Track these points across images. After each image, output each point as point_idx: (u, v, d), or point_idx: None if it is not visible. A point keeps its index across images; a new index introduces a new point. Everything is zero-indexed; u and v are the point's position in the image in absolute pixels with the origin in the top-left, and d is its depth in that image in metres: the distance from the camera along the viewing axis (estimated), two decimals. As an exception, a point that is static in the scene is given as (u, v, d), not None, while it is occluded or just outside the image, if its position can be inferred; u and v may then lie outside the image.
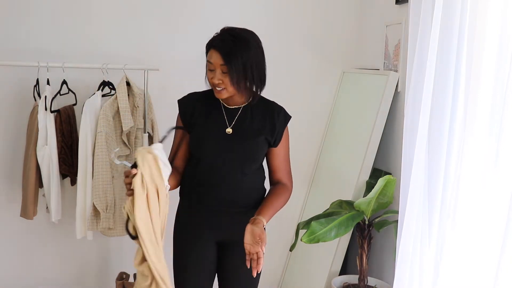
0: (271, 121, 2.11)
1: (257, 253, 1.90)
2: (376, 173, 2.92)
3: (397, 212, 2.09)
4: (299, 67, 3.43)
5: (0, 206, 3.30)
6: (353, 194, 2.89)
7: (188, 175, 2.14)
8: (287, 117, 2.17)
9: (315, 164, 3.46)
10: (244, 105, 2.12)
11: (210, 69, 2.00)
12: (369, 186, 2.81)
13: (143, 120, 2.99)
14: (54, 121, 2.85)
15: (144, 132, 2.99)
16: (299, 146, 3.52)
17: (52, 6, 3.18)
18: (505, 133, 1.67)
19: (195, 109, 2.11)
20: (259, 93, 2.11)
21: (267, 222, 2.00)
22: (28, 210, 2.89)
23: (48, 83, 2.88)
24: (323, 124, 3.45)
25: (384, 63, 3.02)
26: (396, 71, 2.85)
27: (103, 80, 2.93)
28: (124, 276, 3.19)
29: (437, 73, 1.81)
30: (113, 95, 2.93)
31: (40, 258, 3.39)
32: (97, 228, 2.85)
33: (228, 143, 2.07)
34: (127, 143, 2.94)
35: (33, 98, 2.96)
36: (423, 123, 1.83)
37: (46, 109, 2.80)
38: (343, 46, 3.43)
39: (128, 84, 2.95)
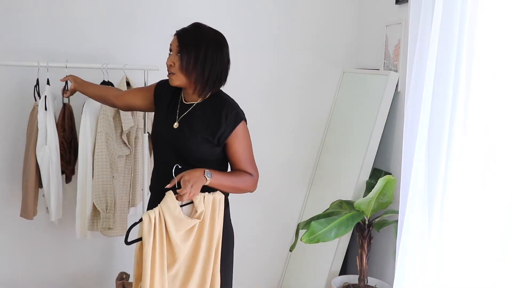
0: (217, 121, 2.10)
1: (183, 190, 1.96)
2: (376, 173, 2.92)
3: (397, 212, 2.09)
4: (299, 67, 3.43)
5: (1, 206, 3.30)
6: (353, 194, 2.89)
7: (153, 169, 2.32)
8: (238, 119, 2.11)
9: (315, 164, 3.46)
10: (198, 102, 2.15)
11: (169, 54, 2.13)
12: (369, 186, 2.81)
13: (143, 120, 2.99)
14: (60, 114, 2.87)
15: (144, 132, 2.99)
16: (299, 146, 3.53)
17: (52, 6, 3.18)
18: (505, 133, 1.67)
19: (163, 97, 2.24)
20: (208, 92, 2.12)
21: (211, 180, 2.02)
22: (28, 210, 2.89)
23: (48, 83, 2.88)
24: (323, 124, 3.45)
25: (384, 63, 3.02)
26: (396, 71, 2.86)
27: (103, 80, 2.93)
28: (124, 276, 3.18)
29: (437, 73, 1.81)
30: (113, 95, 2.93)
31: (40, 258, 3.39)
32: (97, 228, 2.84)
33: (171, 137, 2.13)
34: (127, 143, 2.94)
35: (34, 98, 2.96)
36: (423, 123, 1.83)
37: (46, 109, 2.80)
38: (343, 46, 3.44)
39: (128, 84, 2.95)
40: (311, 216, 2.75)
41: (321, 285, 2.96)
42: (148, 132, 3.02)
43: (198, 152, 2.10)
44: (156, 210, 1.95)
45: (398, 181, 2.20)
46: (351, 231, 2.74)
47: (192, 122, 2.12)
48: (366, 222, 2.69)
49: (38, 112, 2.80)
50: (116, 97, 2.47)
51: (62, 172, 3.00)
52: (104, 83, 2.93)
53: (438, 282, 1.88)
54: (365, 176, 2.90)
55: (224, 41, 2.12)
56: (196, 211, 2.00)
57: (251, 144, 2.18)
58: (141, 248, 1.95)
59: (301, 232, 2.69)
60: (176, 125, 2.13)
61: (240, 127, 2.11)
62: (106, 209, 2.83)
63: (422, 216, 1.89)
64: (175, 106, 2.18)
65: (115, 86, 2.93)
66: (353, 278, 2.85)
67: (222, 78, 2.12)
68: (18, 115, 3.18)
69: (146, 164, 3.00)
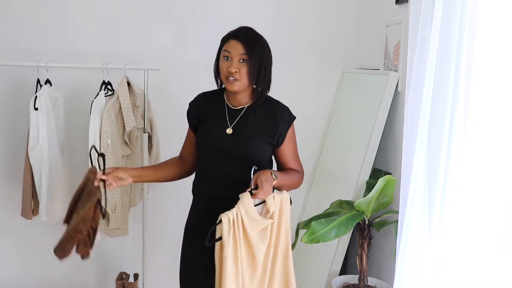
0: (274, 122, 2.12)
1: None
2: (376, 173, 2.92)
3: (397, 212, 2.09)
4: (299, 67, 3.43)
5: (1, 206, 3.30)
6: (353, 194, 2.89)
7: (196, 172, 2.25)
8: (291, 118, 2.17)
9: (315, 164, 3.46)
10: (247, 105, 2.14)
11: (226, 57, 2.05)
12: (369, 186, 2.81)
13: (143, 120, 2.99)
14: (91, 208, 2.16)
15: (144, 132, 2.99)
16: (299, 146, 3.52)
17: (52, 6, 3.18)
18: (505, 133, 1.67)
19: (201, 110, 2.18)
20: (264, 94, 2.14)
21: (277, 180, 2.04)
22: (26, 210, 2.88)
23: (47, 82, 2.88)
24: (323, 124, 3.45)
25: (384, 63, 3.02)
26: (396, 71, 2.85)
27: (103, 80, 2.93)
28: (124, 276, 3.19)
29: (437, 73, 1.81)
30: (111, 95, 2.93)
31: (40, 258, 3.39)
32: (105, 229, 2.83)
33: (227, 143, 2.09)
34: (128, 143, 2.94)
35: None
36: (423, 123, 1.83)
37: (36, 109, 2.77)
38: (343, 46, 3.44)
39: (128, 84, 2.95)
40: (311, 216, 2.75)
41: (321, 285, 2.96)
42: (148, 132, 3.02)
43: (258, 153, 2.11)
44: (234, 211, 1.96)
45: (398, 181, 2.20)
46: (351, 231, 2.74)
47: (249, 126, 2.11)
48: (366, 222, 2.68)
49: (30, 112, 2.78)
50: (182, 163, 2.26)
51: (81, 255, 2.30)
52: (104, 83, 2.93)
53: (438, 282, 1.88)
54: (365, 176, 2.90)
55: (269, 46, 2.15)
56: (268, 211, 2.04)
57: (296, 141, 2.23)
58: (221, 249, 1.97)
59: (301, 232, 2.69)
60: (229, 130, 2.11)
61: (292, 126, 2.17)
62: (114, 209, 2.82)
63: (422, 216, 1.89)
64: (221, 112, 2.15)
65: (115, 86, 2.93)
66: (353, 278, 2.85)
67: (271, 80, 2.16)
68: (18, 115, 3.18)
69: (145, 164, 3.00)
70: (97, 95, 2.86)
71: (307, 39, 3.41)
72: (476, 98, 1.76)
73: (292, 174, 2.18)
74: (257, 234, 2.03)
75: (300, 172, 2.22)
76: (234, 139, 2.10)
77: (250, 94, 2.13)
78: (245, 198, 1.97)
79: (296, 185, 2.22)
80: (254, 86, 2.10)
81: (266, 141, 2.12)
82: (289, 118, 2.16)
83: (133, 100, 2.96)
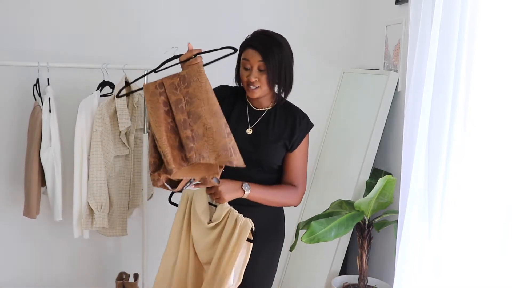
0: (292, 127, 2.13)
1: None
2: (376, 173, 2.92)
3: (397, 212, 2.09)
4: (299, 67, 3.39)
5: (2, 206, 3.30)
6: (353, 194, 2.89)
7: None
8: (309, 125, 2.18)
9: (315, 164, 3.45)
10: (269, 108, 2.16)
11: (245, 67, 2.05)
12: (369, 186, 2.81)
13: (143, 120, 2.99)
14: None
15: (144, 132, 2.99)
16: (299, 146, 3.53)
17: (51, 6, 3.18)
18: (505, 133, 1.67)
19: (222, 103, 2.11)
20: (285, 96, 2.15)
21: (249, 192, 2.03)
22: (31, 209, 2.89)
23: (48, 83, 2.88)
24: (323, 124, 3.45)
25: (384, 63, 3.02)
26: (396, 71, 2.85)
27: (103, 80, 2.93)
28: (124, 276, 3.19)
29: (437, 73, 1.81)
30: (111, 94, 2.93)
31: (40, 258, 3.39)
32: (91, 227, 2.85)
33: (246, 144, 2.09)
34: (126, 143, 2.94)
35: (33, 98, 2.96)
36: (423, 123, 1.83)
37: (50, 111, 2.79)
38: (343, 46, 3.44)
39: (128, 84, 2.95)
40: (311, 216, 2.75)
41: (321, 285, 2.96)
42: (148, 132, 3.02)
43: (274, 157, 2.12)
44: (196, 193, 2.06)
45: (398, 181, 2.20)
46: (351, 231, 2.74)
47: (269, 128, 2.12)
48: (366, 222, 2.68)
49: (42, 114, 2.80)
50: None
51: None
52: (104, 83, 2.93)
53: (437, 282, 1.88)
54: (365, 176, 2.90)
55: (288, 43, 2.14)
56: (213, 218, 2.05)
57: (307, 154, 2.19)
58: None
59: (301, 232, 2.69)
60: (249, 131, 2.12)
61: (307, 135, 2.16)
62: (101, 208, 2.83)
63: (422, 216, 1.89)
64: (242, 111, 2.16)
65: (115, 86, 2.93)
66: (353, 278, 2.85)
67: (293, 80, 2.15)
68: (19, 115, 3.19)
69: (145, 164, 3.00)
70: (90, 94, 2.87)
71: (307, 39, 3.41)
72: (476, 98, 1.75)
73: (280, 189, 2.12)
74: (200, 234, 2.08)
75: (296, 188, 2.14)
76: (253, 141, 2.11)
77: (271, 97, 2.15)
78: (201, 191, 2.07)
79: (286, 203, 2.15)
80: (276, 89, 2.11)
81: (283, 145, 2.13)
82: (307, 125, 2.17)
83: (132, 100, 2.96)
